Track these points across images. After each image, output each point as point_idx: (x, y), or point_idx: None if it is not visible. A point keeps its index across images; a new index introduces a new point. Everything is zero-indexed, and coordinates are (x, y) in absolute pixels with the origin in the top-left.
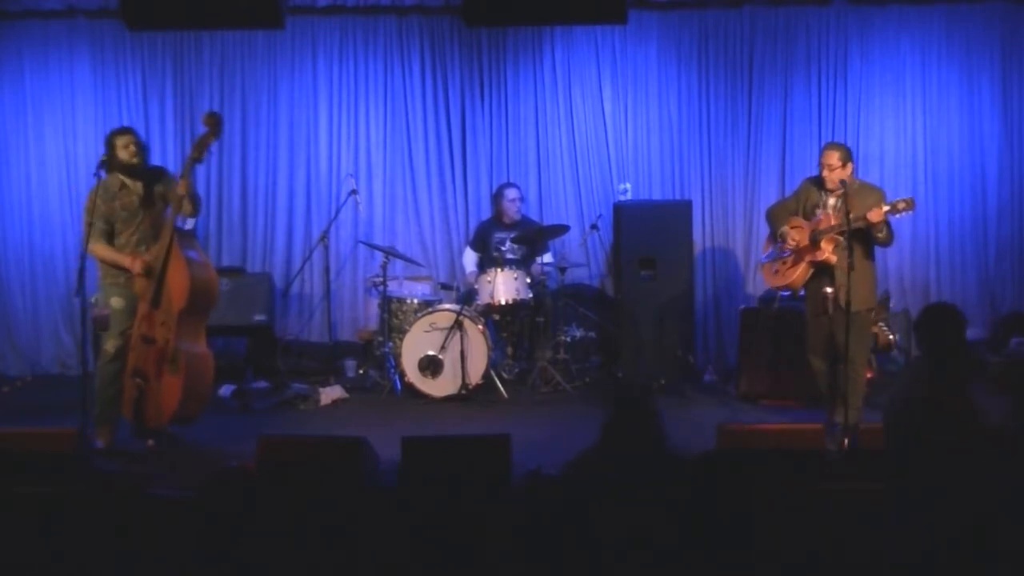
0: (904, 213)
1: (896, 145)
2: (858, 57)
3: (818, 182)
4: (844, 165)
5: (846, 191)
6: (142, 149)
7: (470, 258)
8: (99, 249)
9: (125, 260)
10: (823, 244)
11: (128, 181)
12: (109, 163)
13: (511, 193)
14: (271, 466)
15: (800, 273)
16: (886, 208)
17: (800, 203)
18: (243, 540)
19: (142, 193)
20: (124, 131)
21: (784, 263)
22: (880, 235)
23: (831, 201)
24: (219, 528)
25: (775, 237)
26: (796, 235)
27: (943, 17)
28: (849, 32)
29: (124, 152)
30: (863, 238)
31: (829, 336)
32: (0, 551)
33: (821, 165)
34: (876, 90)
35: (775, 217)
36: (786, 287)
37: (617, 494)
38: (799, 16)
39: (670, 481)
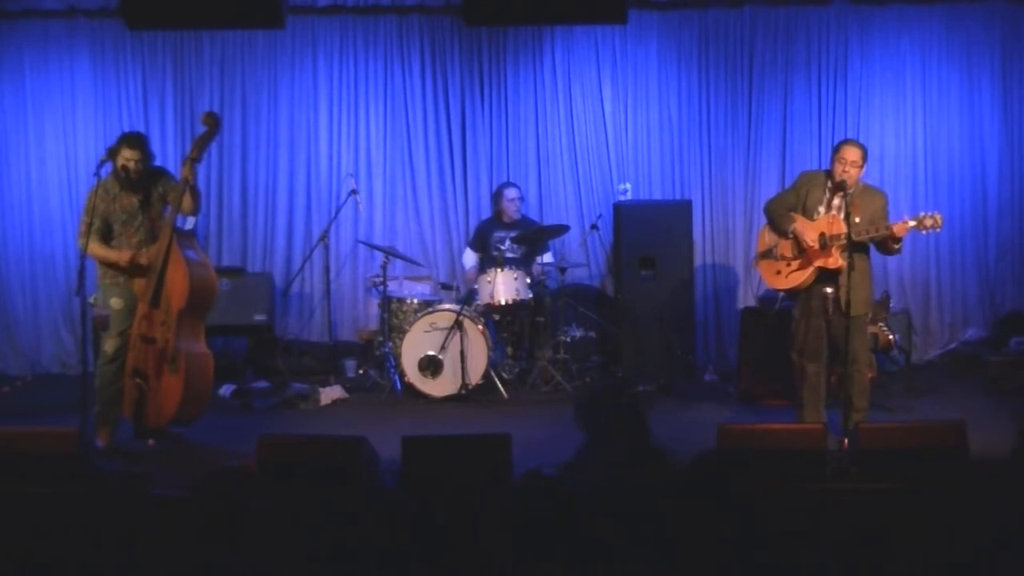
0: (931, 231)
1: (896, 145)
2: (858, 57)
3: (826, 177)
4: (862, 165)
5: (848, 193)
6: (147, 162)
7: (470, 257)
8: (93, 248)
9: (112, 255)
10: (834, 251)
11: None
12: (110, 165)
13: (511, 193)
14: (271, 466)
15: (807, 277)
16: (912, 223)
17: (800, 198)
18: (243, 540)
19: (141, 196)
20: (135, 144)
21: (788, 265)
22: (896, 246)
23: (835, 202)
24: (218, 527)
25: (783, 235)
26: (808, 237)
27: (943, 17)
28: (849, 32)
29: (123, 168)
30: (864, 243)
31: (824, 338)
32: (0, 551)
33: (839, 160)
34: (876, 90)
35: (776, 214)
36: (790, 290)
37: (618, 494)
38: (799, 16)
39: (657, 476)
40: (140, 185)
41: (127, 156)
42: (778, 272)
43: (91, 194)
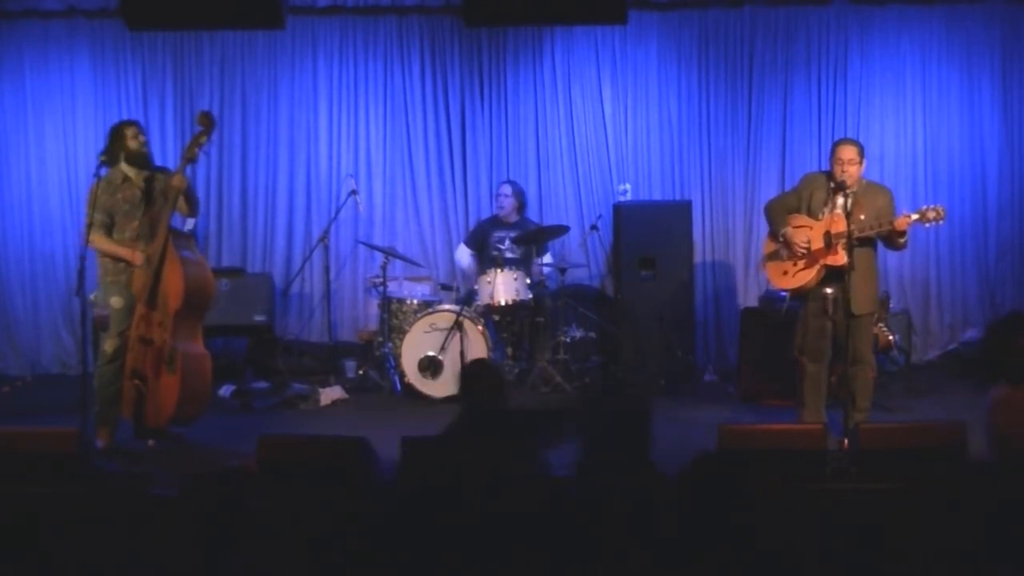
0: (933, 223)
1: (896, 145)
2: (858, 57)
3: (827, 178)
4: (860, 161)
5: (851, 191)
6: (145, 135)
7: (463, 253)
8: (99, 241)
9: (124, 251)
10: (839, 248)
11: (131, 173)
12: (113, 155)
13: (502, 189)
14: (271, 466)
15: (814, 276)
16: (915, 216)
17: (803, 200)
18: (242, 540)
19: (143, 187)
20: (132, 122)
21: (795, 265)
22: (901, 240)
23: (840, 200)
24: (217, 527)
25: (776, 236)
26: (805, 237)
27: (943, 17)
28: (849, 32)
29: (134, 142)
30: (869, 241)
31: (827, 338)
32: (0, 551)
33: (837, 161)
34: (876, 90)
35: (775, 215)
36: (797, 290)
37: (616, 495)
38: (799, 16)
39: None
40: (149, 165)
41: (131, 134)
42: (785, 272)
43: (93, 188)
